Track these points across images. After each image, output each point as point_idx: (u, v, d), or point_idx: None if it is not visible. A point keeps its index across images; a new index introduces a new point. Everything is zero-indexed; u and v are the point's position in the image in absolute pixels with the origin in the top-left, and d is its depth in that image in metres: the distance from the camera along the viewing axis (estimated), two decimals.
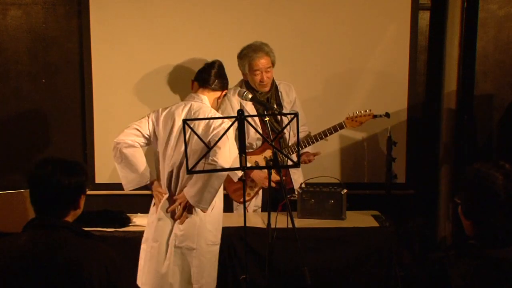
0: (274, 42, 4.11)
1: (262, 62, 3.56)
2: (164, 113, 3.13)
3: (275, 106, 3.63)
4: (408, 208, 4.26)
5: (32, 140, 4.29)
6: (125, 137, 3.12)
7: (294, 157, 3.69)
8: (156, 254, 3.08)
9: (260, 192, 3.73)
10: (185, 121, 2.61)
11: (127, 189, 3.21)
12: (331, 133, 3.61)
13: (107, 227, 3.40)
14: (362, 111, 3.59)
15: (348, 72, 4.20)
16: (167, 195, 3.13)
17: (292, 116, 2.57)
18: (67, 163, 2.04)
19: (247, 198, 3.72)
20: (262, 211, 3.72)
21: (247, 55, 3.60)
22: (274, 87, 3.73)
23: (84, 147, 4.29)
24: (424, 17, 4.26)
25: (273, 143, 2.76)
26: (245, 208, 2.71)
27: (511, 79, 4.17)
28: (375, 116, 3.59)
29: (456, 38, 4.14)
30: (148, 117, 3.17)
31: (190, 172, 2.70)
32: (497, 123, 4.15)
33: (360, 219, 3.56)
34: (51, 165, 1.99)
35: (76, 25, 4.22)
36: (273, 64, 3.63)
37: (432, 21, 4.26)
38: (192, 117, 3.05)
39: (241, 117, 2.55)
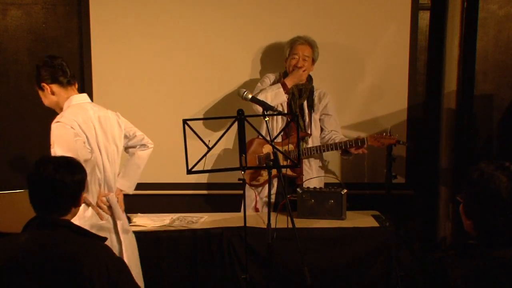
0: (274, 42, 4.13)
1: (302, 48, 3.74)
2: (79, 125, 2.83)
3: (305, 102, 3.73)
4: (408, 208, 4.26)
5: (32, 140, 4.28)
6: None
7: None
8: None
9: (276, 183, 3.70)
10: (185, 121, 2.61)
11: None
12: (351, 146, 3.61)
13: None
14: (388, 134, 3.57)
15: (348, 72, 4.19)
16: (111, 195, 2.99)
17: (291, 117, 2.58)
18: (66, 161, 2.05)
19: (258, 183, 3.76)
20: (275, 200, 3.61)
21: (292, 39, 3.79)
22: (309, 86, 3.80)
23: None
24: (424, 17, 4.26)
25: (273, 143, 2.76)
26: (245, 208, 2.72)
27: (511, 79, 4.16)
28: (398, 142, 3.57)
29: (456, 38, 4.13)
30: (76, 136, 2.80)
31: (190, 172, 2.71)
32: (498, 123, 4.15)
33: (360, 219, 3.56)
34: (52, 164, 2.00)
35: (76, 25, 4.23)
36: (313, 59, 3.79)
37: (432, 21, 4.26)
38: (105, 117, 2.95)
39: (241, 117, 2.56)
